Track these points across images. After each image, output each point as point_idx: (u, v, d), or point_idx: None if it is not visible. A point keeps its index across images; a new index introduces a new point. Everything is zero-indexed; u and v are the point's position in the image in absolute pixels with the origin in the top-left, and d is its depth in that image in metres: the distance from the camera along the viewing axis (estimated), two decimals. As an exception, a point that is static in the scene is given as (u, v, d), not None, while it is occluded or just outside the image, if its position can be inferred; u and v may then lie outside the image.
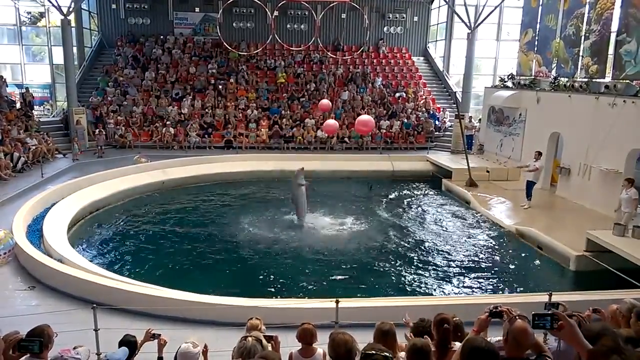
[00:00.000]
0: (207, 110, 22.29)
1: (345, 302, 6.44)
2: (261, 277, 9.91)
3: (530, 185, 13.85)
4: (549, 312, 2.70)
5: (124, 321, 6.66)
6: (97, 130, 19.58)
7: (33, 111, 21.43)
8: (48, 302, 7.66)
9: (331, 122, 14.94)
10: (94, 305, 5.92)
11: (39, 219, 11.53)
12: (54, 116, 22.78)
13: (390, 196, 16.63)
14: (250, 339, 3.44)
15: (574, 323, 2.64)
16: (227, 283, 9.64)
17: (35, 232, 10.85)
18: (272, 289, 9.38)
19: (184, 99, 22.60)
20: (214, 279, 9.84)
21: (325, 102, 16.67)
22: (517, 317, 2.96)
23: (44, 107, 25.38)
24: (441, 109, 24.56)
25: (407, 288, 9.68)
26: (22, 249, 9.11)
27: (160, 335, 4.34)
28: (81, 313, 6.60)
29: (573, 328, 2.59)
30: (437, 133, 23.07)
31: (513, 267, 10.85)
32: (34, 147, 16.80)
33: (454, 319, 3.88)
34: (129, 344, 4.32)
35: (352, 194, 16.80)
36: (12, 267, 9.03)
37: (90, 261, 9.96)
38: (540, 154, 14.14)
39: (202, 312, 7.14)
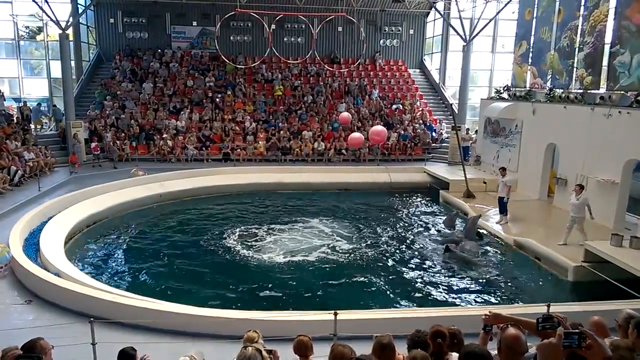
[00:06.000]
0: (204, 123, 22.37)
1: (343, 315, 6.44)
2: (260, 289, 9.88)
3: (500, 200, 13.64)
4: (576, 330, 2.58)
5: (122, 335, 6.61)
6: (93, 145, 19.63)
7: (30, 125, 21.48)
8: (45, 317, 7.61)
9: (356, 135, 14.73)
10: (92, 319, 5.90)
11: (36, 232, 11.49)
12: (51, 130, 22.80)
13: (388, 208, 16.63)
14: (250, 348, 3.45)
15: (603, 341, 2.56)
16: (225, 295, 9.59)
17: (32, 245, 10.80)
18: (271, 302, 9.36)
19: (182, 112, 22.68)
20: (212, 292, 9.79)
21: (345, 114, 16.40)
22: (508, 325, 2.96)
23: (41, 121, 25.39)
24: (438, 121, 24.69)
25: (405, 299, 9.66)
26: (19, 263, 9.06)
27: None
28: (78, 327, 6.54)
29: (602, 347, 2.51)
30: (434, 145, 23.16)
31: (511, 278, 10.82)
32: (31, 162, 16.79)
33: (452, 327, 3.87)
34: (129, 356, 4.26)
35: (349, 206, 16.80)
36: (8, 281, 8.99)
37: (88, 275, 9.91)
38: (504, 169, 14.14)
39: (201, 325, 7.10)
